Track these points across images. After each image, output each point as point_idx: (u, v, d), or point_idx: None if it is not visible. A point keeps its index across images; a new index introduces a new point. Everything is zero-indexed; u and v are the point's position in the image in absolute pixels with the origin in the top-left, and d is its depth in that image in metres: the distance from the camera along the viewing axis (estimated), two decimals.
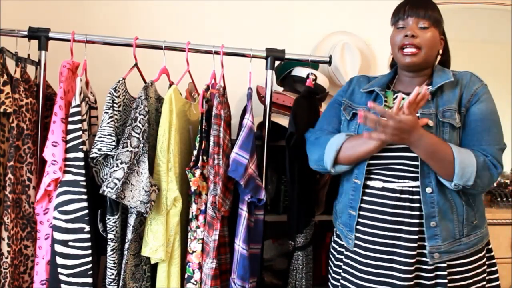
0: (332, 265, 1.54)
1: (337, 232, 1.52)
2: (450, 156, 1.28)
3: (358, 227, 1.40)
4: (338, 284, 1.47)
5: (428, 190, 1.33)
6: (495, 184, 2.74)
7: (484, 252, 1.42)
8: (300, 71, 2.05)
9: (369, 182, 1.40)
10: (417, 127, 1.27)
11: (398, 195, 1.35)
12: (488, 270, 1.43)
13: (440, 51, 1.45)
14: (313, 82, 1.87)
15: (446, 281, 1.33)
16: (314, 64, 1.98)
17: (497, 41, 2.89)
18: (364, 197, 1.40)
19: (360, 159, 1.39)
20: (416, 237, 1.33)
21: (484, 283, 1.40)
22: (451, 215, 1.34)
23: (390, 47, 1.45)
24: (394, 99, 1.43)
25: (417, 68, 1.42)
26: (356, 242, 1.41)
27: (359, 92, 1.51)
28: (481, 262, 1.39)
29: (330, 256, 1.56)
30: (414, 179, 1.34)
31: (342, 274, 1.45)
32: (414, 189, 1.34)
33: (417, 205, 1.33)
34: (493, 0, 2.70)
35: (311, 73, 1.88)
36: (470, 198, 1.37)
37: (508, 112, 2.87)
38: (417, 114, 1.34)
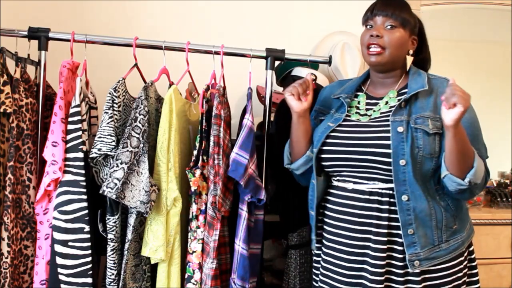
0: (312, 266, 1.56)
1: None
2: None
3: (326, 227, 1.43)
4: (317, 285, 1.49)
5: (404, 198, 1.31)
6: (495, 184, 2.74)
7: (466, 255, 1.40)
8: (300, 71, 2.05)
9: (340, 184, 1.41)
10: None
11: (367, 196, 1.35)
12: (468, 272, 1.42)
13: (411, 52, 1.44)
14: (313, 82, 1.87)
15: (420, 286, 1.32)
16: (314, 64, 1.97)
17: (497, 41, 2.89)
18: (334, 199, 1.42)
19: (295, 138, 1.47)
20: (385, 239, 1.32)
21: (464, 286, 1.38)
22: (429, 222, 1.32)
23: None
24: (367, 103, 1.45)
25: (383, 68, 1.42)
26: (325, 243, 1.43)
27: (330, 98, 1.54)
28: (461, 266, 1.37)
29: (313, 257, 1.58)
30: (384, 181, 1.34)
31: (320, 277, 1.46)
32: (384, 191, 1.34)
33: (386, 207, 1.33)
34: (493, 0, 2.70)
35: (311, 73, 1.88)
36: (450, 203, 1.36)
37: (508, 112, 2.87)
38: (388, 121, 1.34)
